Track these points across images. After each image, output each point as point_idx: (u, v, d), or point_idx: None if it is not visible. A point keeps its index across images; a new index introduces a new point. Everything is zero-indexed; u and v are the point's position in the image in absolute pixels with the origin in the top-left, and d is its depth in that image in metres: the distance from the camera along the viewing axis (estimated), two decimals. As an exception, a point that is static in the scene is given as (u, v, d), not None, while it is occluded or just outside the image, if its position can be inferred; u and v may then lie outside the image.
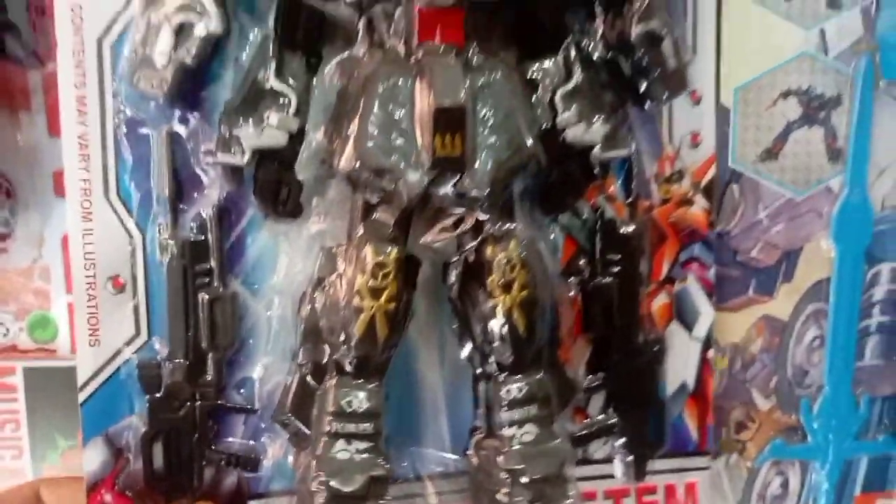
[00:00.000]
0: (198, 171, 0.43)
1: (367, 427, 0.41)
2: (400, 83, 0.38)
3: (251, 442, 0.46)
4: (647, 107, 0.46)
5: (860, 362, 0.55)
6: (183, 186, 0.44)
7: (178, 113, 0.42)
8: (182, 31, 0.38)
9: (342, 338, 0.39)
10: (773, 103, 0.51)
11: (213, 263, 0.44)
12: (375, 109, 0.38)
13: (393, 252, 0.39)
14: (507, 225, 0.41)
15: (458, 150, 0.38)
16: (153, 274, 0.44)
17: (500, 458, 0.42)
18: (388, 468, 0.41)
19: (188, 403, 0.44)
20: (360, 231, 0.40)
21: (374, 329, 0.39)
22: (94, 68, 0.43)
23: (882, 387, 0.56)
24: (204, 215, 0.44)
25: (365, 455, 0.40)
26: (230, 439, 0.46)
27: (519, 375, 0.42)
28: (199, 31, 0.38)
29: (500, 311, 0.40)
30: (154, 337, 0.45)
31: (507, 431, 0.42)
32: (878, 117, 0.53)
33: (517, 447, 0.42)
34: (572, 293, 0.49)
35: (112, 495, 0.45)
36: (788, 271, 0.53)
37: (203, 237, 0.44)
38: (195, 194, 0.44)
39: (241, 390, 0.46)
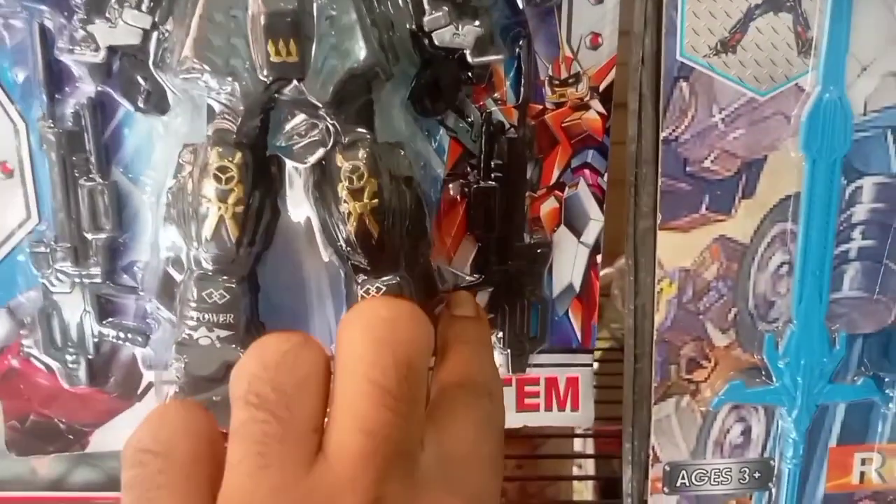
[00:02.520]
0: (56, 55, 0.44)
1: (226, 317, 0.43)
2: (240, -19, 0.38)
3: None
4: (521, 6, 0.44)
5: (836, 293, 0.48)
6: (59, 77, 0.45)
7: (45, 8, 0.42)
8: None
9: (193, 237, 0.41)
10: None
11: (90, 153, 0.45)
12: (212, 9, 0.38)
13: (237, 156, 0.40)
14: (356, 132, 0.41)
15: (295, 57, 0.38)
16: (38, 160, 0.46)
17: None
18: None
19: (77, 283, 0.47)
20: (208, 134, 0.41)
21: (224, 231, 0.41)
22: (-33, -45, 0.43)
23: (863, 323, 0.49)
24: (79, 106, 0.45)
25: (224, 343, 0.43)
26: (121, 319, 0.49)
27: (376, 278, 0.44)
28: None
29: (352, 218, 0.41)
30: (43, 220, 0.47)
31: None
32: (860, 1, 0.44)
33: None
34: (456, 195, 0.49)
35: (18, 360, 0.49)
36: (749, 185, 0.47)
37: (80, 128, 0.45)
38: (72, 85, 0.45)
39: (127, 274, 0.48)
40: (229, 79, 0.38)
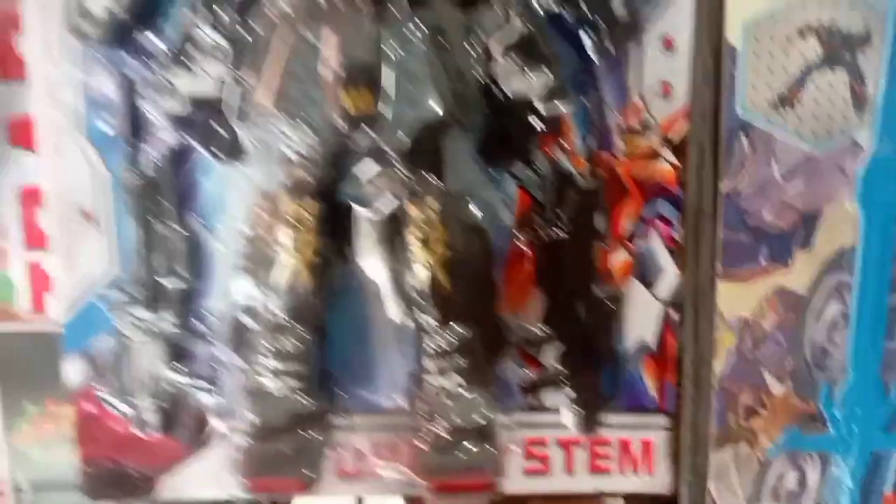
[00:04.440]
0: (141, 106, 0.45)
1: (297, 367, 0.43)
2: (316, 34, 0.39)
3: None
4: (595, 59, 0.44)
5: (891, 343, 0.49)
6: (140, 127, 0.46)
7: (129, 59, 0.44)
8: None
9: (270, 286, 0.41)
10: (789, 41, 0.45)
11: (168, 202, 0.46)
12: (292, 60, 0.39)
13: (313, 205, 0.40)
14: (428, 182, 0.41)
15: (371, 108, 0.38)
16: (119, 208, 0.48)
17: (425, 405, 0.44)
18: (314, 405, 0.43)
19: (152, 330, 0.48)
20: (283, 183, 0.41)
21: (299, 281, 0.41)
22: (60, 11, 0.45)
23: (916, 372, 0.49)
24: (159, 155, 0.46)
25: (294, 392, 0.43)
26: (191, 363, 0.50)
27: (445, 328, 0.43)
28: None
29: (422, 267, 0.41)
30: (121, 267, 0.48)
31: (432, 379, 0.44)
32: (916, 60, 0.45)
33: (440, 395, 0.43)
34: (525, 246, 0.49)
35: (94, 406, 0.50)
36: (807, 237, 0.48)
37: (159, 177, 0.46)
38: (151, 134, 0.46)
39: (200, 319, 0.49)
40: (306, 129, 0.39)
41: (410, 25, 0.39)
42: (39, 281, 0.51)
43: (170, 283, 0.48)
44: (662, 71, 0.47)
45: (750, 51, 0.45)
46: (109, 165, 0.47)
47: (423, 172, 0.41)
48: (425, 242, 0.41)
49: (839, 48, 0.45)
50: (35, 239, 0.50)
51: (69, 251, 0.48)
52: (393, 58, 0.38)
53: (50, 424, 0.52)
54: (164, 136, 0.46)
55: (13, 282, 0.51)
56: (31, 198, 0.50)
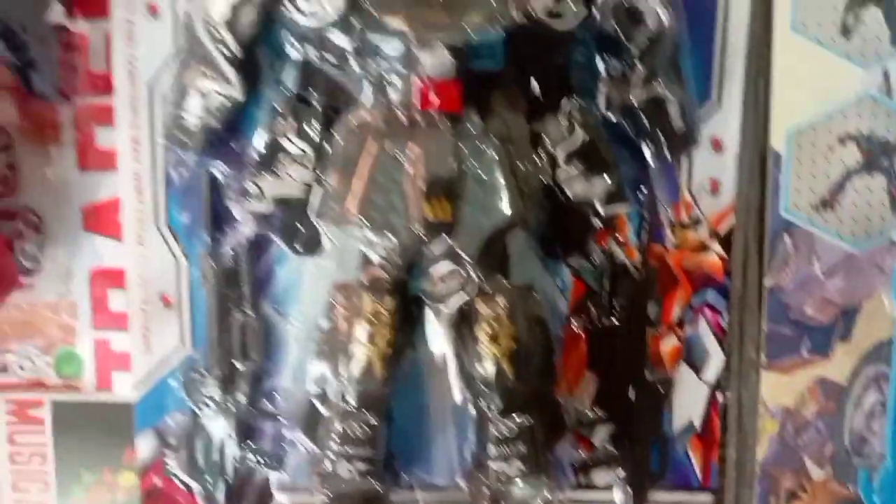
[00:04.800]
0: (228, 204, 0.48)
1: (366, 451, 0.45)
2: (399, 148, 0.41)
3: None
4: (652, 165, 0.47)
5: None
6: (220, 219, 0.49)
7: (217, 162, 0.47)
8: (209, 97, 0.43)
9: (344, 374, 0.44)
10: (831, 149, 0.48)
11: (245, 290, 0.49)
12: (377, 170, 0.42)
13: (388, 302, 0.43)
14: (496, 281, 0.43)
15: (448, 216, 0.41)
16: (196, 294, 0.50)
17: (486, 490, 0.46)
18: (383, 489, 0.45)
19: (223, 410, 0.51)
20: (361, 279, 0.44)
21: (372, 371, 0.43)
22: (146, 111, 0.48)
23: (954, 462, 0.51)
24: (238, 247, 0.49)
25: (363, 476, 0.45)
26: (260, 441, 0.52)
27: (508, 416, 0.45)
28: (224, 99, 0.42)
29: (489, 360, 0.44)
30: (196, 348, 0.51)
31: (494, 465, 0.46)
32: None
33: (501, 481, 0.45)
34: (579, 331, 0.51)
35: (161, 479, 0.52)
36: (846, 330, 0.50)
37: (236, 267, 0.49)
38: (231, 227, 0.49)
39: (271, 400, 0.51)
40: (388, 234, 0.42)
41: (484, 138, 0.42)
42: (107, 358, 0.54)
43: (242, 364, 0.50)
44: (711, 169, 0.50)
45: (794, 156, 0.48)
46: (189, 254, 0.50)
47: (492, 272, 0.44)
48: (494, 338, 0.43)
49: (877, 155, 0.48)
50: (104, 318, 0.53)
51: (146, 332, 0.51)
52: (469, 169, 0.41)
53: (106, 494, 0.55)
54: (245, 228, 0.48)
55: (81, 357, 0.54)
56: (101, 279, 0.53)
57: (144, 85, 0.48)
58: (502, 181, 0.42)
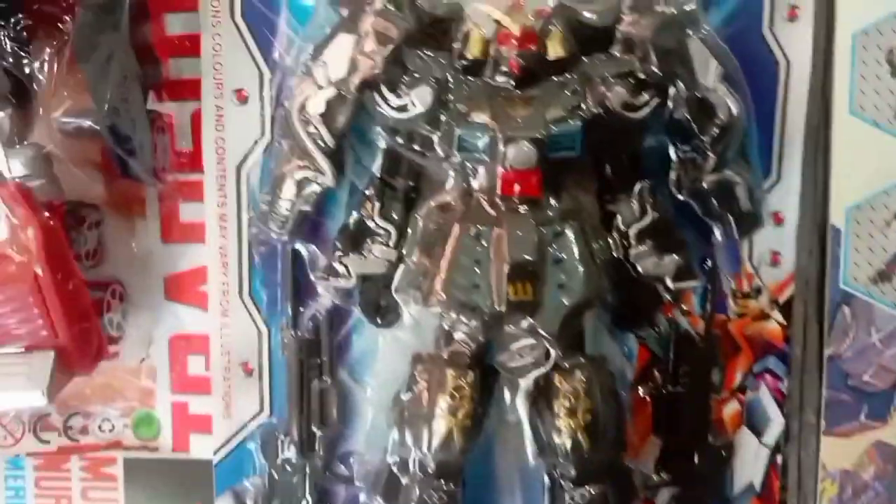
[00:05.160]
0: (313, 280, 0.50)
1: (445, 519, 0.47)
2: (483, 232, 0.44)
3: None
4: (720, 243, 0.49)
5: None
6: (301, 291, 0.51)
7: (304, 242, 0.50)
8: (302, 184, 0.45)
9: (423, 445, 0.46)
10: (887, 224, 0.50)
11: (323, 359, 0.51)
12: (461, 253, 0.44)
13: (470, 376, 0.45)
14: (574, 356, 0.45)
15: (530, 296, 0.43)
16: (276, 362, 0.52)
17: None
18: (460, 553, 0.47)
19: (300, 473, 0.53)
20: (443, 354, 0.46)
21: (452, 442, 0.45)
22: (234, 191, 0.51)
23: None
24: (318, 318, 0.51)
25: (442, 542, 0.47)
26: (335, 505, 0.54)
27: (582, 484, 0.47)
28: (317, 186, 0.45)
29: (565, 433, 0.45)
30: (275, 414, 0.53)
31: (567, 531, 0.47)
32: None
33: (575, 545, 0.47)
34: (645, 397, 0.53)
35: (238, 542, 0.54)
36: None
37: (316, 337, 0.51)
38: (311, 299, 0.51)
39: (345, 464, 0.53)
40: (471, 313, 0.44)
41: (561, 221, 0.44)
42: (184, 420, 0.56)
43: (319, 429, 0.52)
44: (772, 242, 0.52)
45: (852, 231, 0.51)
46: (270, 324, 0.52)
47: (570, 347, 0.46)
48: (572, 412, 0.45)
49: None
50: (183, 382, 0.55)
51: (227, 398, 0.53)
52: (549, 251, 0.43)
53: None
54: (325, 300, 0.51)
55: (158, 419, 0.56)
56: (181, 345, 0.55)
57: (232, 166, 0.51)
58: (580, 261, 0.44)
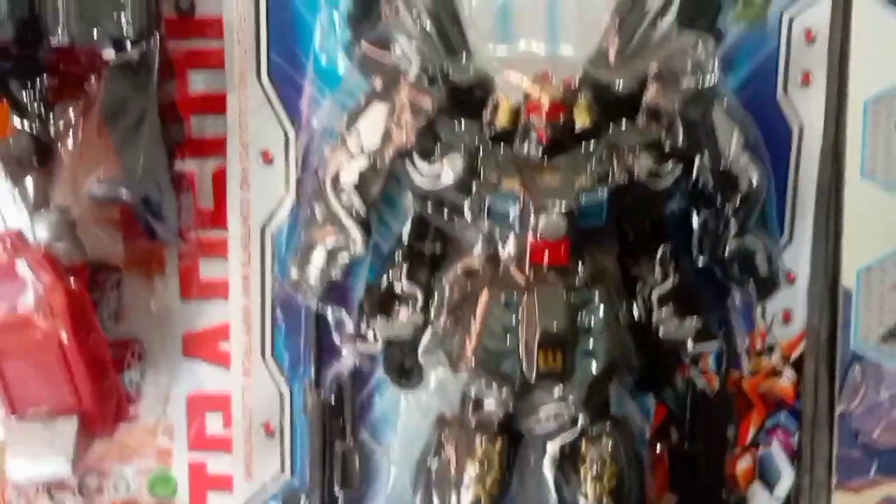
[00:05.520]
0: (339, 343, 0.51)
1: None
2: (512, 300, 0.44)
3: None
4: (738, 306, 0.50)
5: None
6: (324, 352, 0.51)
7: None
8: (333, 252, 0.45)
9: (450, 507, 0.46)
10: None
11: (345, 420, 0.51)
12: (491, 320, 0.44)
13: (499, 443, 0.45)
14: (601, 423, 0.46)
15: (559, 365, 0.44)
16: (298, 422, 0.52)
17: None
18: None
19: (321, 531, 0.52)
20: (471, 420, 0.46)
21: (479, 505, 0.46)
22: (258, 252, 0.51)
23: None
24: (341, 378, 0.51)
25: None
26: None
27: (605, 544, 0.48)
28: (347, 255, 0.45)
29: (591, 497, 0.46)
30: (296, 475, 0.53)
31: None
32: None
33: None
34: (660, 453, 0.54)
35: None
36: None
37: (339, 397, 0.51)
38: (335, 360, 0.51)
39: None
40: (501, 381, 0.44)
41: (588, 289, 0.45)
42: (202, 480, 0.55)
43: (340, 491, 0.52)
44: (785, 301, 0.53)
45: (862, 292, 0.52)
46: (292, 385, 0.52)
47: (597, 414, 0.46)
48: (598, 477, 0.46)
49: None
50: (201, 441, 0.55)
51: (247, 459, 0.53)
52: (577, 319, 0.44)
53: None
54: (348, 361, 0.51)
55: (175, 479, 0.56)
56: (199, 403, 0.55)
57: (257, 226, 0.51)
58: (607, 328, 0.45)
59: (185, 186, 0.52)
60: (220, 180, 0.52)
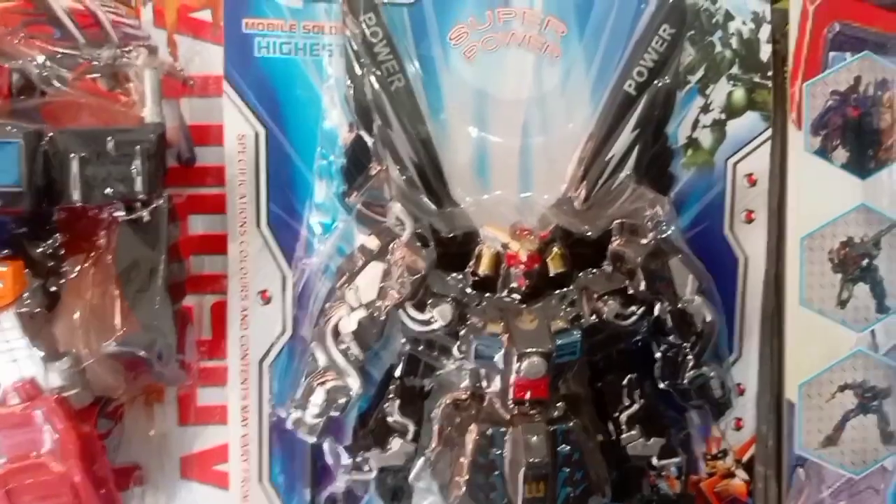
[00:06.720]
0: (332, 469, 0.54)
1: None
2: (497, 434, 0.49)
3: None
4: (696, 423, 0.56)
5: None
6: (319, 475, 0.55)
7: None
8: (332, 393, 0.50)
9: None
10: (833, 396, 0.59)
11: (343, 537, 0.55)
12: (479, 454, 0.49)
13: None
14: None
15: (543, 493, 0.48)
16: (298, 544, 0.56)
17: None
18: None
19: None
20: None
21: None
22: (256, 383, 0.55)
23: None
24: (334, 499, 0.55)
25: None
26: None
27: None
28: (346, 395, 0.49)
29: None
30: None
31: None
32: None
33: None
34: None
35: None
36: None
37: (336, 519, 0.55)
38: (328, 482, 0.55)
39: None
40: (489, 509, 0.49)
41: (568, 420, 0.50)
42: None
43: None
44: (736, 410, 0.59)
45: (804, 405, 0.59)
46: (289, 507, 0.56)
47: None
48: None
49: (870, 399, 0.60)
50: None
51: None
52: (562, 454, 0.49)
53: None
54: (341, 483, 0.55)
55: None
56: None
57: (255, 360, 0.54)
58: (585, 456, 0.49)
59: (188, 322, 0.55)
60: (218, 312, 0.55)
